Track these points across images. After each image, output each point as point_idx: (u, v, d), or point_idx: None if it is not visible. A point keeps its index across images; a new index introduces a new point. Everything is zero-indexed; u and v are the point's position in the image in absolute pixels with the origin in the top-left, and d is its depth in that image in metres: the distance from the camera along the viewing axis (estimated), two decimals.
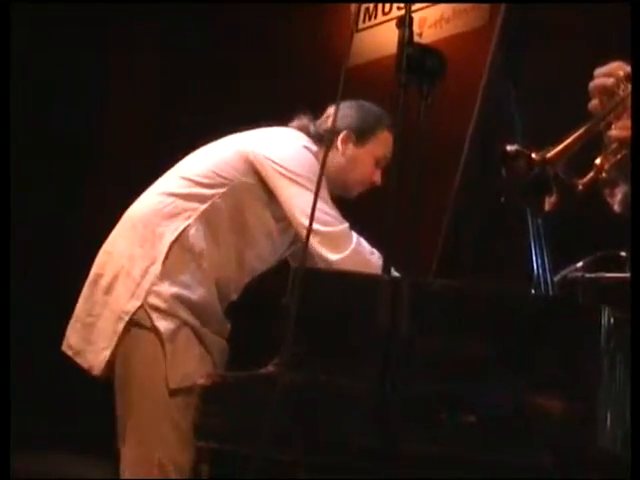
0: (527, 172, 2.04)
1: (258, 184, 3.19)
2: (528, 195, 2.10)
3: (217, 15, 6.19)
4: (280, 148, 3.23)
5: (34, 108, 6.00)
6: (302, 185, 3.12)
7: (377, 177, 3.41)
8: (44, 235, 6.01)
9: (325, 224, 3.08)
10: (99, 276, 3.21)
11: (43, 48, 6.08)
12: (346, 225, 3.12)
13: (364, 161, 3.39)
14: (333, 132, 3.27)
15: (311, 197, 2.99)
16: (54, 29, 6.14)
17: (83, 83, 6.28)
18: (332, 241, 3.07)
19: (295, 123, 3.40)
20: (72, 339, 3.22)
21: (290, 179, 3.14)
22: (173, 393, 3.06)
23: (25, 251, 5.50)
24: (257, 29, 6.06)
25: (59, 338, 3.29)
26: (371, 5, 5.55)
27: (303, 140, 3.26)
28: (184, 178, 3.25)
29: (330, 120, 3.35)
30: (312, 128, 3.36)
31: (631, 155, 2.04)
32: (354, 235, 3.11)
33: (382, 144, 3.38)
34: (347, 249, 3.06)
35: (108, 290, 3.16)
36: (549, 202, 2.04)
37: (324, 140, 3.26)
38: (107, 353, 3.11)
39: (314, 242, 3.01)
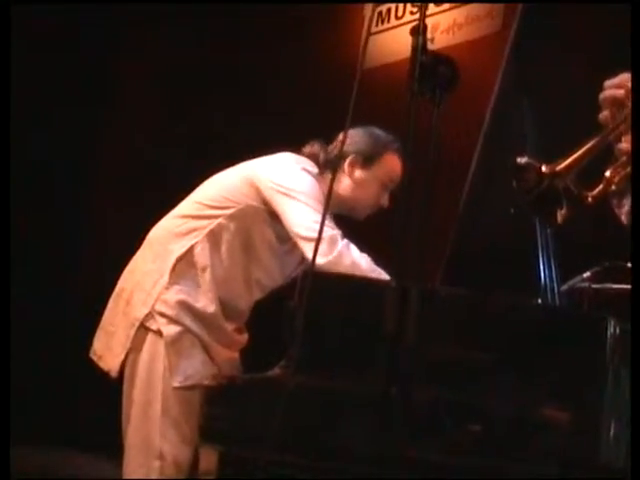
0: (537, 184, 2.05)
1: (263, 207, 3.34)
2: (538, 207, 2.10)
3: (219, 17, 6.20)
4: (280, 170, 3.36)
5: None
6: (299, 200, 3.26)
7: (384, 200, 3.51)
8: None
9: (315, 232, 3.15)
10: (122, 290, 3.41)
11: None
12: (337, 232, 3.19)
13: (371, 184, 3.49)
14: (342, 155, 3.37)
15: (309, 211, 3.18)
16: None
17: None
18: (320, 246, 3.12)
19: (306, 149, 3.53)
20: (97, 345, 3.43)
21: (288, 196, 3.27)
22: (175, 393, 3.16)
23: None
24: (266, 31, 6.07)
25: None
26: (384, 9, 5.55)
27: (304, 163, 3.42)
28: (197, 202, 3.44)
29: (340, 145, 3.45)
30: (322, 155, 3.48)
31: (631, 155, 2.05)
32: (343, 241, 3.18)
33: (389, 167, 3.48)
34: (332, 253, 3.12)
35: (127, 302, 3.35)
36: (560, 214, 2.05)
37: (333, 165, 3.37)
38: (122, 357, 3.29)
39: (308, 249, 3.11)
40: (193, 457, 3.20)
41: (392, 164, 3.47)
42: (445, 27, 5.21)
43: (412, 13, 5.38)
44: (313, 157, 3.49)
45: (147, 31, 6.58)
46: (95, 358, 3.41)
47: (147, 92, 6.59)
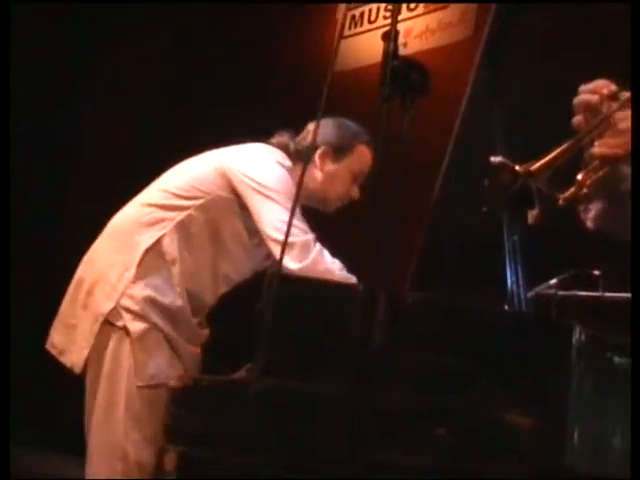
0: (510, 184, 2.06)
1: (234, 198, 3.29)
2: (510, 206, 2.12)
3: (192, 17, 6.19)
4: (253, 163, 3.34)
5: None
6: (272, 199, 3.22)
7: (355, 192, 3.49)
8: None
9: (290, 235, 3.13)
10: (81, 281, 3.34)
11: None
12: (310, 236, 3.20)
13: (341, 176, 3.48)
14: (312, 147, 3.34)
15: (280, 210, 3.13)
16: None
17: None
18: (294, 251, 3.14)
19: (275, 140, 3.48)
20: (56, 339, 3.36)
21: (261, 193, 3.24)
22: (139, 392, 3.12)
23: None
24: (239, 33, 6.07)
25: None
26: (357, 13, 5.56)
27: (277, 156, 3.37)
28: (163, 190, 3.38)
29: (309, 137, 3.43)
30: (292, 145, 3.44)
31: (632, 155, 2.07)
32: (317, 246, 3.17)
33: (359, 159, 3.47)
34: (307, 258, 3.12)
35: (88, 294, 3.28)
36: (531, 215, 2.06)
37: (303, 156, 3.34)
38: (86, 352, 3.24)
39: (278, 252, 3.07)
40: (156, 458, 3.18)
41: (363, 155, 3.46)
42: (418, 32, 5.23)
43: (385, 18, 5.39)
44: (282, 147, 3.45)
45: (125, 30, 6.56)
46: (55, 352, 3.33)
47: (122, 89, 6.57)
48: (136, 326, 3.18)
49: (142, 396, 3.15)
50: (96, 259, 3.35)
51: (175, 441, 2.88)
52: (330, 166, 3.47)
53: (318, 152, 3.44)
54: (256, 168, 3.30)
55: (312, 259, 3.13)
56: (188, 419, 2.75)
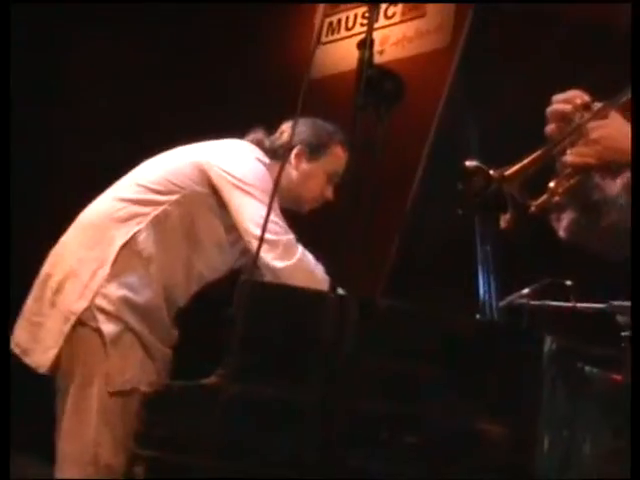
0: (484, 188, 2.08)
1: (211, 194, 3.23)
2: (484, 210, 2.14)
3: (172, 17, 6.16)
4: (233, 159, 3.27)
5: None
6: (252, 195, 3.16)
7: (329, 193, 3.46)
8: None
9: (273, 233, 3.11)
10: (48, 277, 3.23)
11: None
12: (292, 236, 3.15)
13: (316, 176, 3.44)
14: (289, 147, 3.32)
15: (260, 207, 3.08)
16: None
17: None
18: (278, 249, 3.10)
19: (250, 137, 3.44)
20: (20, 338, 3.24)
21: (240, 189, 3.18)
22: (112, 396, 3.08)
23: None
24: (218, 35, 6.05)
25: None
26: (334, 19, 5.56)
27: (256, 153, 3.32)
28: (138, 184, 3.29)
29: (284, 135, 3.42)
30: (267, 143, 3.40)
31: (631, 155, 2.09)
32: (300, 246, 3.14)
33: (334, 160, 3.43)
34: (293, 258, 3.10)
35: (57, 291, 3.18)
36: (504, 219, 2.08)
37: (278, 155, 3.31)
38: (54, 352, 3.13)
39: (261, 250, 3.02)
40: (127, 463, 3.14)
41: (337, 156, 3.44)
42: (395, 40, 5.22)
43: (362, 25, 5.38)
44: (258, 144, 3.42)
45: (93, 27, 6.53)
46: (18, 351, 3.21)
47: (96, 87, 6.55)
48: (110, 328, 3.09)
49: (114, 400, 3.09)
50: (65, 254, 3.25)
51: (145, 446, 2.87)
52: (305, 165, 3.43)
53: (294, 151, 3.40)
54: (235, 164, 3.24)
55: (297, 259, 3.08)
56: (159, 424, 2.75)
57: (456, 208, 2.15)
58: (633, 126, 2.12)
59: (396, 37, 5.23)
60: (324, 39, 5.50)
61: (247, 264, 3.38)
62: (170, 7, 6.07)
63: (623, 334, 3.04)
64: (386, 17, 5.31)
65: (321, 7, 5.58)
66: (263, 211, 3.04)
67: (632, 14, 2.20)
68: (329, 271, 3.08)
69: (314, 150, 3.43)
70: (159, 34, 6.23)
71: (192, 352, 3.24)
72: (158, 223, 3.20)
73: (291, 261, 3.09)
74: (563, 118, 2.16)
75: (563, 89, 2.22)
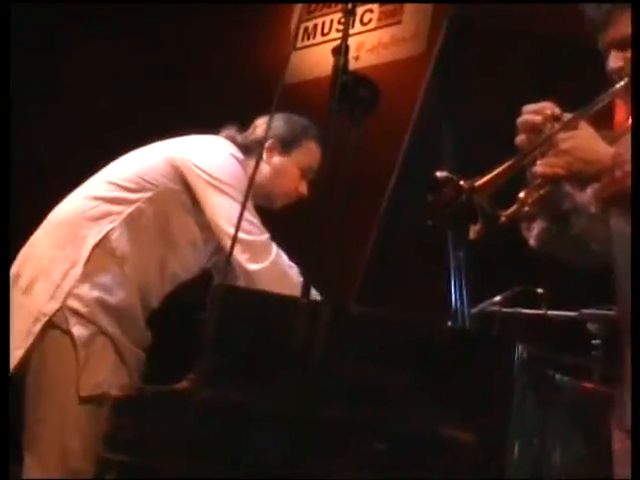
0: (454, 199, 2.09)
1: (184, 191, 3.18)
2: (454, 221, 2.14)
3: (144, 19, 6.15)
4: (207, 156, 3.22)
5: None
6: (226, 193, 3.12)
7: (302, 188, 3.41)
8: None
9: (248, 233, 3.08)
10: (18, 276, 3.16)
11: None
12: (267, 236, 3.12)
13: (289, 171, 3.39)
14: (262, 142, 3.27)
15: (235, 205, 3.04)
16: None
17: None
18: (252, 250, 3.06)
19: (223, 133, 3.39)
20: None
21: (215, 187, 3.13)
22: (83, 401, 3.04)
23: None
24: (192, 36, 6.04)
25: None
26: (310, 25, 5.57)
27: (231, 148, 3.26)
28: (110, 182, 3.23)
29: (257, 130, 3.38)
30: (239, 138, 3.36)
31: (631, 154, 2.10)
32: (274, 247, 3.11)
33: (308, 154, 3.39)
34: (267, 260, 3.06)
35: (26, 291, 3.12)
36: (474, 230, 2.09)
37: (251, 150, 3.28)
38: (20, 353, 3.05)
39: (235, 249, 2.98)
40: (97, 467, 3.11)
41: (311, 151, 3.38)
42: (370, 46, 5.24)
43: (338, 30, 5.39)
44: (230, 140, 3.37)
45: (66, 29, 6.50)
46: None
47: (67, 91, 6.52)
48: (82, 331, 3.03)
49: (86, 406, 3.04)
50: (36, 253, 3.18)
51: (115, 450, 2.86)
52: (278, 159, 3.38)
53: (266, 145, 3.35)
54: (209, 160, 3.19)
55: (271, 261, 3.04)
56: (130, 428, 2.73)
57: (426, 219, 2.15)
58: (633, 126, 2.13)
59: (372, 43, 5.25)
60: (300, 44, 5.51)
61: (220, 263, 3.35)
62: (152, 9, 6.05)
63: (594, 342, 3.06)
64: (362, 23, 5.32)
65: (297, 11, 5.58)
66: (237, 209, 2.98)
67: (632, 14, 2.22)
68: (302, 277, 3.08)
69: (287, 144, 3.38)
70: (157, 34, 6.21)
71: (165, 356, 3.23)
72: (131, 221, 3.15)
73: (264, 263, 3.05)
74: (533, 129, 2.17)
75: (534, 100, 2.24)
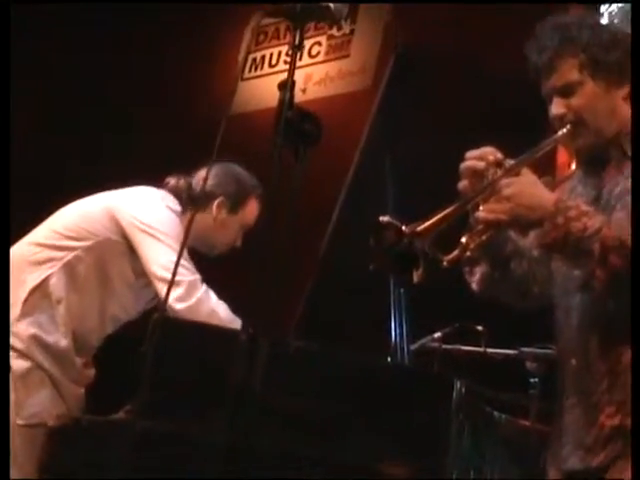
0: (396, 243, 2.09)
1: (122, 240, 3.30)
2: (395, 265, 2.14)
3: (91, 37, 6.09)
4: (143, 206, 3.34)
5: None
6: (159, 239, 3.24)
7: (239, 241, 3.54)
8: None
9: (178, 274, 3.13)
10: None
11: None
12: (197, 277, 3.20)
13: (233, 227, 3.52)
14: (203, 194, 3.37)
15: (168, 250, 3.16)
16: None
17: None
18: (179, 290, 3.14)
19: (172, 183, 3.49)
20: None
21: (147, 233, 3.26)
22: (19, 429, 3.07)
23: None
24: (140, 65, 6.02)
25: None
26: (258, 56, 5.58)
27: (167, 200, 3.39)
28: (53, 230, 3.36)
29: (202, 182, 3.46)
30: (186, 192, 3.46)
31: (631, 154, 2.12)
32: (202, 287, 3.18)
33: (251, 213, 3.52)
34: (191, 299, 3.13)
35: None
36: (416, 274, 2.09)
37: (196, 201, 3.38)
38: None
39: (161, 291, 3.09)
40: None
41: (253, 209, 3.50)
42: (318, 79, 5.26)
43: (286, 62, 5.41)
44: (176, 191, 3.47)
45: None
46: None
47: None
48: (19, 364, 3.14)
49: (21, 434, 3.10)
50: None
51: (51, 477, 2.84)
52: (224, 216, 3.50)
53: (216, 201, 3.47)
54: (145, 210, 3.32)
55: (197, 299, 3.13)
56: (65, 457, 2.72)
57: (368, 263, 2.15)
58: (633, 125, 2.15)
59: (319, 76, 5.26)
60: (247, 75, 5.52)
61: (160, 305, 3.41)
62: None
63: (532, 380, 3.08)
64: (310, 56, 5.34)
65: (245, 42, 5.60)
66: (170, 254, 3.14)
67: (632, 14, 2.24)
68: (242, 311, 3.08)
69: (235, 204, 3.49)
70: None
71: (108, 390, 3.24)
72: (70, 268, 3.26)
73: (189, 302, 3.13)
74: (476, 174, 2.17)
75: (479, 135, 2.25)
